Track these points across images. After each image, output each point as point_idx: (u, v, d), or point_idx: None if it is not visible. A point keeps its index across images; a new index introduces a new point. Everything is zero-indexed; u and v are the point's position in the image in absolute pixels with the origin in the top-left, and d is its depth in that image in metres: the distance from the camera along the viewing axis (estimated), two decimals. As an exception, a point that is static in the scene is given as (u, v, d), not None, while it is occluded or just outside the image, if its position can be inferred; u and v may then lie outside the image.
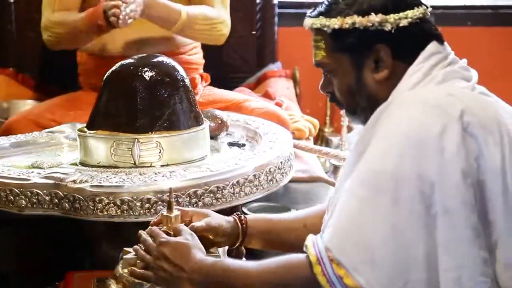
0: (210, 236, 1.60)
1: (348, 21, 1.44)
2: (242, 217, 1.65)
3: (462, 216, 1.31)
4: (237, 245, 1.65)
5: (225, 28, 2.68)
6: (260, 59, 3.34)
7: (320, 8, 1.49)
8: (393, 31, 1.43)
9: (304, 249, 1.38)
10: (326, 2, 1.50)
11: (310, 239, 1.38)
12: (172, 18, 2.53)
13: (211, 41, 2.69)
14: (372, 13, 1.43)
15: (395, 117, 1.37)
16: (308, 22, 1.50)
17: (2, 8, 3.19)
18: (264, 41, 3.35)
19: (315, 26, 1.48)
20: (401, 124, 1.35)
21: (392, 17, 1.44)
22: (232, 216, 1.65)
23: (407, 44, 1.45)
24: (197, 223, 1.59)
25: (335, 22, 1.45)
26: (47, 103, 2.69)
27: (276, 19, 3.37)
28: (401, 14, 1.44)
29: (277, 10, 3.37)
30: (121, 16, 2.35)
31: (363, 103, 1.48)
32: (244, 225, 1.64)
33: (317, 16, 1.49)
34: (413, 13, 1.45)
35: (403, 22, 1.44)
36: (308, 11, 1.53)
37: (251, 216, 1.71)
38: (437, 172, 1.31)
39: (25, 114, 2.57)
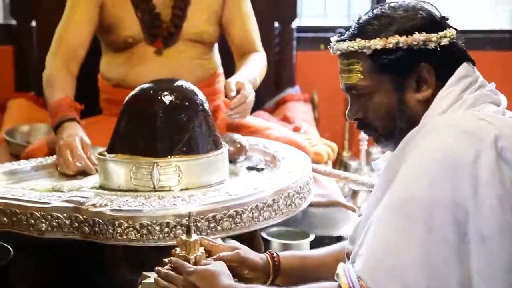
0: (239, 268, 1.59)
1: (391, 41, 1.44)
2: (275, 254, 1.64)
3: (499, 243, 1.29)
4: (268, 282, 1.63)
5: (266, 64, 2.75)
6: (278, 83, 3.35)
7: (352, 31, 1.48)
8: (436, 50, 1.43)
9: (336, 278, 1.36)
10: (356, 25, 1.49)
11: (341, 268, 1.37)
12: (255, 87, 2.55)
13: None
14: (416, 32, 1.43)
15: (426, 143, 1.36)
16: (342, 45, 1.49)
17: (24, 32, 3.22)
18: (283, 65, 3.36)
19: (352, 48, 1.47)
20: (433, 150, 1.34)
21: (434, 36, 1.44)
22: (265, 253, 1.64)
23: (446, 64, 1.45)
24: (225, 253, 1.59)
25: (376, 43, 1.44)
26: (68, 127, 2.71)
27: (294, 43, 3.38)
28: (441, 34, 1.44)
29: (295, 35, 3.38)
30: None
31: (402, 125, 1.46)
32: (276, 263, 1.63)
33: (352, 38, 1.47)
34: (450, 33, 1.45)
35: (444, 41, 1.44)
36: (333, 37, 1.52)
37: (283, 253, 1.70)
38: (472, 199, 1.30)
39: (46, 138, 2.59)
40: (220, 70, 2.80)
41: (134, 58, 2.64)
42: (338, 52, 1.50)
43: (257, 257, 1.63)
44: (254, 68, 2.62)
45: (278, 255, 1.65)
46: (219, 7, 2.68)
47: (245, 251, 1.62)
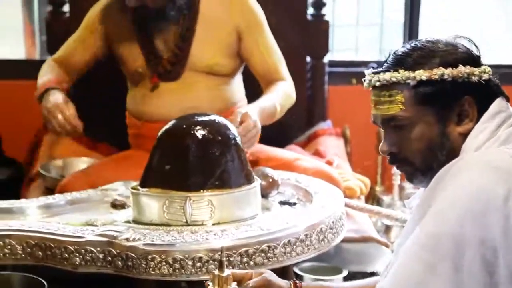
0: None
1: (437, 72, 1.44)
2: (298, 283, 1.63)
3: None
4: None
5: (294, 91, 2.75)
6: (310, 117, 3.35)
7: (392, 63, 1.48)
8: (477, 84, 1.43)
9: None
10: (394, 57, 1.49)
11: None
12: (271, 116, 2.58)
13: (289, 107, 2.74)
14: (460, 65, 1.43)
15: (458, 180, 1.35)
16: (384, 76, 1.48)
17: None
18: (315, 100, 3.36)
19: (395, 78, 1.47)
20: (464, 187, 1.33)
21: (476, 70, 1.44)
22: (289, 281, 1.64)
23: (485, 98, 1.45)
24: (253, 280, 1.58)
25: (421, 74, 1.44)
26: (101, 161, 2.75)
27: (326, 77, 3.39)
28: (481, 68, 1.44)
29: (327, 69, 3.39)
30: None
31: (443, 158, 1.45)
32: None
33: (395, 69, 1.48)
34: (488, 68, 1.46)
35: (485, 76, 1.44)
36: (368, 70, 1.52)
37: (310, 282, 1.69)
38: (502, 238, 1.28)
39: (80, 172, 2.61)
40: (244, 101, 2.80)
41: (150, 91, 2.68)
42: (378, 83, 1.49)
43: (282, 281, 1.62)
44: (273, 96, 2.62)
45: (301, 284, 1.64)
46: (234, 41, 2.70)
47: (269, 273, 1.62)
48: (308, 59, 3.33)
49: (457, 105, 1.44)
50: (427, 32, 3.59)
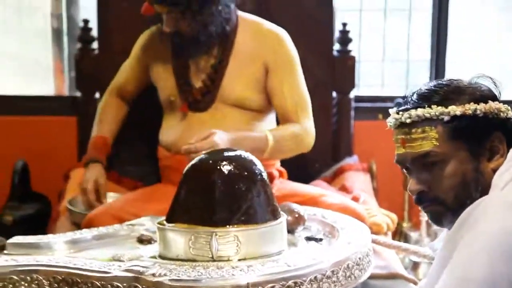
0: None
1: (470, 108, 1.44)
2: None
3: None
4: None
5: (311, 139, 2.72)
6: (336, 152, 3.35)
7: (421, 99, 1.48)
8: (505, 119, 1.43)
9: None
10: (421, 94, 1.49)
11: None
12: (261, 147, 2.57)
13: (299, 152, 2.73)
14: (490, 101, 1.43)
15: (483, 221, 1.33)
16: (416, 112, 1.48)
17: (88, 104, 3.31)
18: (340, 135, 3.36)
19: (428, 114, 1.46)
20: (490, 229, 1.31)
21: (503, 106, 1.44)
22: None
23: (510, 134, 1.44)
24: None
25: (455, 109, 1.44)
26: (128, 196, 2.76)
27: (352, 113, 3.39)
28: (505, 105, 1.45)
29: (353, 104, 3.39)
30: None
31: (477, 195, 1.44)
32: None
33: (428, 105, 1.47)
34: (507, 106, 1.46)
35: (510, 113, 1.44)
36: (393, 109, 1.52)
37: None
38: None
39: (106, 207, 2.63)
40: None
41: (181, 121, 2.70)
42: (409, 120, 1.48)
43: None
44: (272, 131, 2.62)
45: None
46: (262, 76, 2.71)
47: None
48: (334, 94, 3.34)
49: (488, 141, 1.43)
50: (453, 69, 3.59)
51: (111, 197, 2.93)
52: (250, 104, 2.71)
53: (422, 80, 3.60)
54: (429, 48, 3.64)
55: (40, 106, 3.48)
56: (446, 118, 1.44)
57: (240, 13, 2.76)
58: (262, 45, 2.72)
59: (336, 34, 3.34)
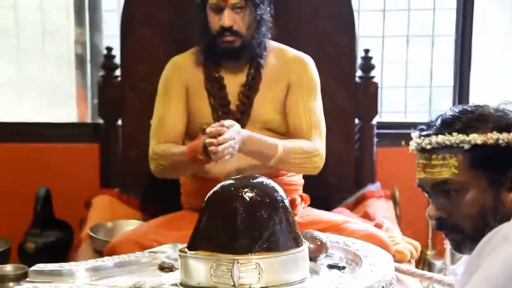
0: None
1: (492, 137, 1.42)
2: None
3: None
4: None
5: (320, 161, 2.71)
6: (358, 179, 3.33)
7: (443, 126, 1.47)
8: None
9: None
10: (444, 120, 1.48)
11: None
12: (269, 153, 2.59)
13: (306, 172, 2.73)
14: None
15: (503, 247, 1.32)
16: (436, 139, 1.47)
17: (110, 130, 3.33)
18: (363, 162, 3.35)
19: (449, 142, 1.45)
20: (509, 254, 1.30)
21: None
22: None
23: None
24: None
25: (476, 138, 1.43)
26: (150, 224, 2.76)
27: (375, 139, 3.37)
28: None
29: (375, 131, 3.38)
30: (219, 151, 2.42)
31: (496, 224, 1.42)
32: None
33: (449, 132, 1.46)
34: None
35: None
36: (415, 133, 1.51)
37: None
38: None
39: (128, 234, 2.63)
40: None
41: None
42: (429, 146, 1.47)
43: None
44: (283, 141, 2.62)
45: None
46: (284, 97, 2.74)
47: None
48: (356, 120, 3.33)
49: (509, 171, 1.41)
50: (476, 95, 3.57)
51: (133, 224, 2.93)
52: (276, 127, 2.73)
53: (445, 107, 3.58)
54: (452, 74, 3.62)
55: (62, 133, 3.50)
56: (466, 146, 1.43)
57: (267, 40, 2.79)
58: (287, 67, 2.76)
59: (359, 61, 3.34)
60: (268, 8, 2.73)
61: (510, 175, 1.42)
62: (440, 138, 1.45)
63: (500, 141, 1.41)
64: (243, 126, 2.68)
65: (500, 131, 1.42)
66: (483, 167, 1.43)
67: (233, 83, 2.75)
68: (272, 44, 2.81)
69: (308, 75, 2.76)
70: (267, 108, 2.73)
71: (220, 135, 2.44)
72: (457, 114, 1.47)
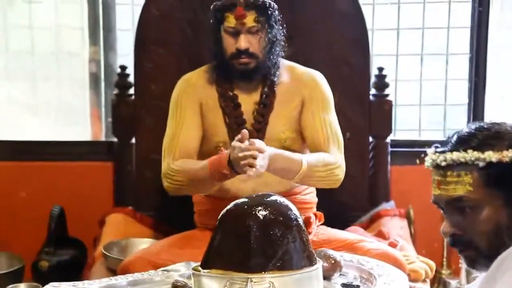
0: None
1: (507, 155, 1.41)
2: None
3: None
4: None
5: (341, 173, 2.70)
6: (373, 198, 3.32)
7: (458, 143, 1.46)
8: None
9: None
10: (459, 137, 1.47)
11: None
12: (294, 169, 2.58)
13: (328, 185, 2.71)
14: None
15: None
16: (451, 156, 1.46)
17: (124, 149, 3.34)
18: (377, 180, 3.34)
19: (463, 159, 1.44)
20: None
21: None
22: None
23: None
24: None
25: (491, 155, 1.42)
26: (163, 242, 2.75)
27: (389, 158, 3.36)
28: None
29: (389, 149, 3.37)
30: (256, 168, 2.41)
31: (509, 242, 1.40)
32: None
33: (463, 149, 1.46)
34: None
35: None
36: (431, 149, 1.50)
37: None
38: None
39: (141, 253, 2.62)
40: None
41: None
42: (444, 163, 1.46)
43: None
44: (305, 155, 2.62)
45: None
46: (298, 114, 2.74)
47: None
48: (370, 138, 3.32)
49: None
50: (491, 113, 3.55)
51: (147, 242, 2.93)
52: (291, 145, 2.73)
53: (459, 125, 3.56)
54: (467, 92, 3.61)
55: (76, 151, 3.52)
56: (481, 164, 1.42)
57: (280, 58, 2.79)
58: (299, 84, 2.77)
59: (373, 79, 3.34)
60: (281, 28, 2.74)
61: None
62: (455, 155, 1.44)
63: None
64: None
65: None
66: (498, 185, 1.42)
67: (247, 101, 2.75)
68: (283, 62, 2.81)
69: (320, 89, 2.77)
70: (283, 126, 2.74)
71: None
72: (473, 131, 1.47)
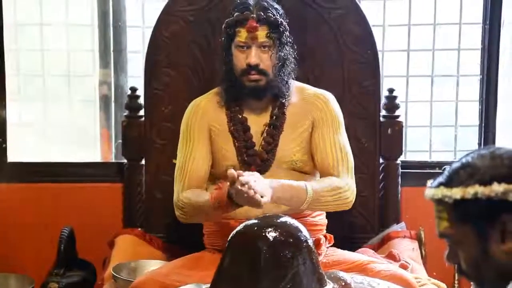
0: None
1: (470, 191, 1.40)
2: None
3: None
4: None
5: (352, 195, 2.70)
6: (383, 219, 3.30)
7: (441, 179, 1.47)
8: None
9: None
10: (447, 172, 1.47)
11: None
12: (300, 198, 2.58)
13: (339, 208, 2.70)
14: (495, 183, 1.39)
15: None
16: (429, 192, 1.48)
17: (133, 170, 3.33)
18: (387, 201, 3.32)
19: (436, 196, 1.45)
20: None
21: None
22: None
23: None
24: None
25: (456, 192, 1.42)
26: (173, 264, 2.74)
27: (399, 179, 3.34)
28: None
29: (400, 170, 3.35)
30: (258, 201, 2.42)
31: (490, 276, 1.40)
32: None
33: (437, 186, 1.46)
34: None
35: None
36: (429, 182, 1.50)
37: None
38: None
39: (151, 275, 2.61)
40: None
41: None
42: (428, 198, 1.48)
43: None
44: (310, 182, 2.61)
45: None
46: (309, 136, 2.74)
47: None
48: (381, 160, 3.31)
49: (497, 224, 1.38)
50: (503, 135, 3.54)
51: (156, 264, 2.92)
52: (302, 167, 2.72)
53: (470, 146, 3.55)
54: (477, 113, 3.60)
55: (86, 172, 3.52)
56: (449, 201, 1.42)
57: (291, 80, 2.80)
58: (309, 105, 2.78)
59: (383, 100, 3.33)
60: (292, 50, 2.74)
61: (498, 227, 1.39)
62: (432, 192, 1.47)
63: (479, 195, 1.38)
64: (269, 167, 2.67)
65: (481, 184, 1.39)
66: (469, 221, 1.41)
67: (257, 123, 2.75)
68: (293, 83, 2.81)
69: (331, 109, 2.77)
70: (293, 148, 2.73)
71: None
72: (457, 167, 1.46)
